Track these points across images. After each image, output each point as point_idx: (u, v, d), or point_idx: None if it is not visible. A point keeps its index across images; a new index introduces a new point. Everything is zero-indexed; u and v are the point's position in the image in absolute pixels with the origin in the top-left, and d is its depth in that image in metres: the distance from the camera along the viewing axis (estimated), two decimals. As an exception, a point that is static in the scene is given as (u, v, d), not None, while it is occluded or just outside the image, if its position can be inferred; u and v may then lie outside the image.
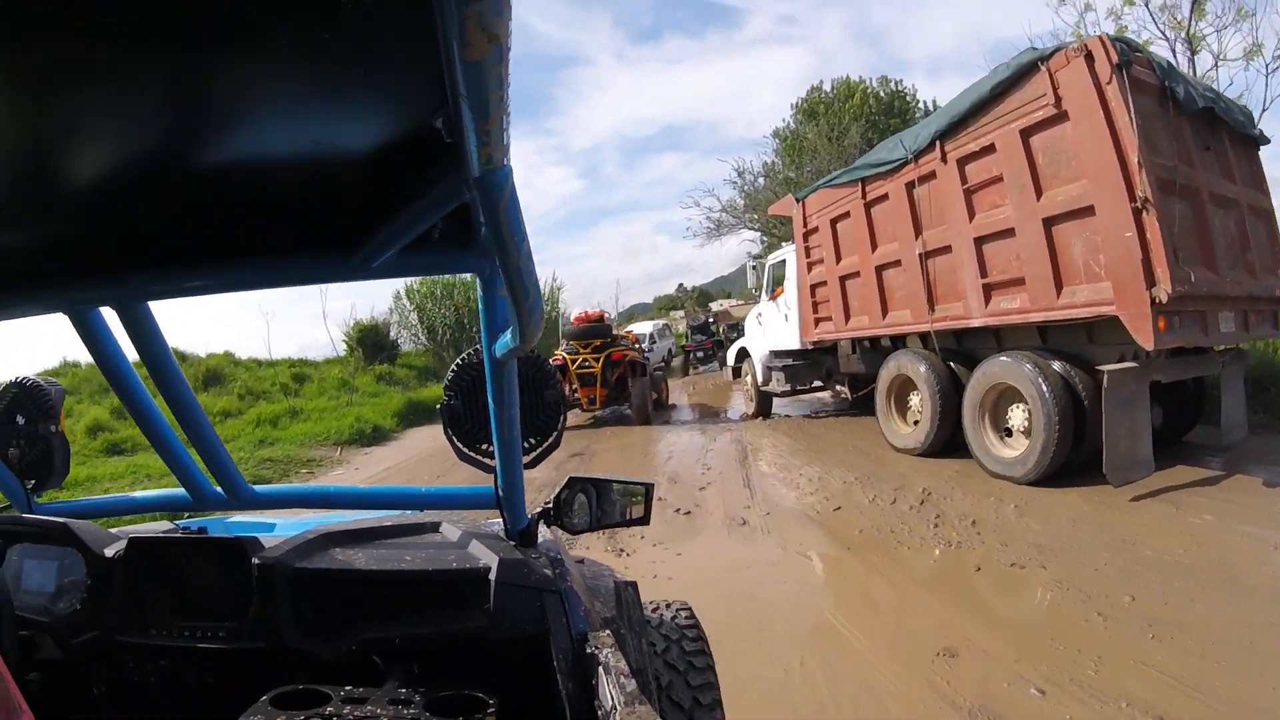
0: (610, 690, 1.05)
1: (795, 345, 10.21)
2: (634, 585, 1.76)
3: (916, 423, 7.49)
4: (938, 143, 6.67)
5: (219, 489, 1.64)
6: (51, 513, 1.63)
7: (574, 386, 11.55)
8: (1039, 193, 5.82)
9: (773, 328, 10.90)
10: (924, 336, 7.65)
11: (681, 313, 35.06)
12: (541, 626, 1.27)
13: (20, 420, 1.68)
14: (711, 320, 24.11)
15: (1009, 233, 6.10)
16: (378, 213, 0.98)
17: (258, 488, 1.69)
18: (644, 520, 1.67)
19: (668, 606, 2.05)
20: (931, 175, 6.84)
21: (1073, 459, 5.90)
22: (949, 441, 7.11)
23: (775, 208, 10.56)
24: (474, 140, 0.62)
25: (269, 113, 0.78)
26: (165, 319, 1.38)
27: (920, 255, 7.05)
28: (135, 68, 0.66)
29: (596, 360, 11.56)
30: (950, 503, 5.75)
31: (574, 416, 12.03)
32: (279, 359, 19.18)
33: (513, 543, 1.45)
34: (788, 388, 10.46)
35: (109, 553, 1.44)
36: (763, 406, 11.26)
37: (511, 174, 0.71)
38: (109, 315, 1.34)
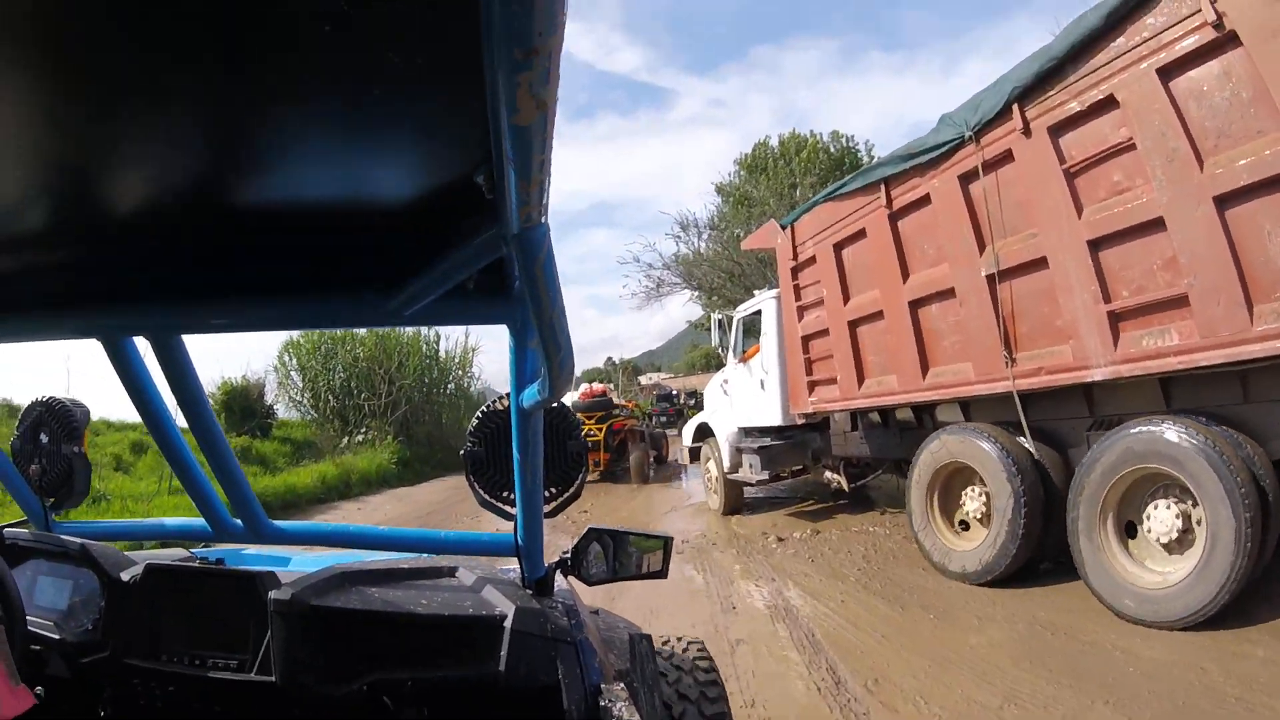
0: None
1: (775, 420, 7.83)
2: (648, 638, 1.79)
3: (965, 525, 5.25)
4: (1015, 108, 4.59)
5: (239, 521, 1.70)
6: (70, 533, 1.77)
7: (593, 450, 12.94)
8: (1199, 161, 3.73)
9: (743, 398, 8.52)
10: (965, 404, 5.50)
11: (611, 385, 37.11)
12: (555, 677, 1.31)
13: (44, 439, 1.77)
14: (674, 392, 25.42)
15: (1151, 227, 3.95)
16: (414, 260, 1.02)
17: (278, 523, 1.73)
18: (662, 574, 1.67)
19: (679, 641, 2.06)
20: (1005, 157, 4.72)
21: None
22: (1029, 562, 4.79)
23: (752, 240, 8.41)
24: (515, 199, 0.65)
25: (314, 159, 0.82)
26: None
27: (989, 278, 4.84)
28: (186, 103, 0.69)
29: (600, 429, 13.09)
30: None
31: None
32: (131, 422, 16.00)
33: (529, 591, 1.50)
34: (764, 475, 7.95)
35: (125, 576, 1.55)
36: (732, 499, 8.75)
37: (549, 231, 0.73)
38: (142, 346, 1.39)
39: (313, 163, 0.83)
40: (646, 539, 1.68)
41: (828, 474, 7.79)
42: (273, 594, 1.36)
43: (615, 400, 15.27)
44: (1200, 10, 3.65)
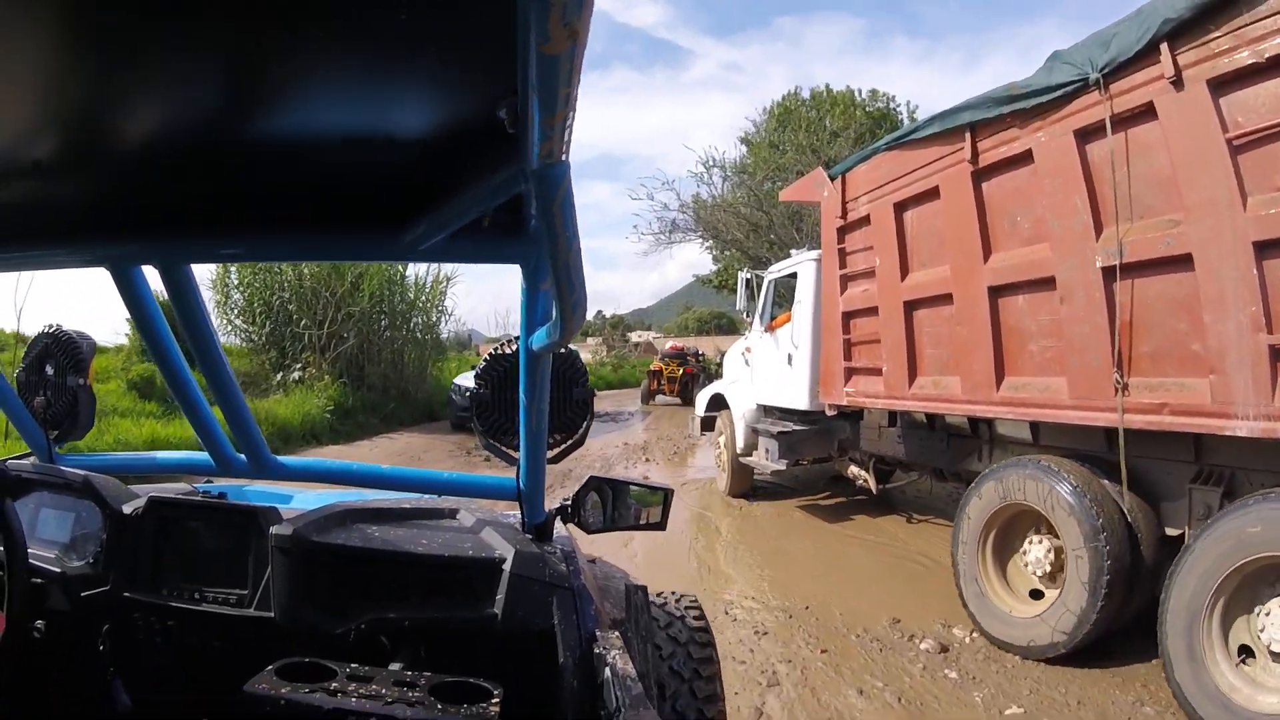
0: (616, 692, 1.13)
1: (800, 403, 6.94)
2: (644, 589, 1.81)
3: (1037, 590, 4.28)
4: (1163, 48, 3.46)
5: (243, 457, 1.73)
6: (73, 465, 1.77)
7: (663, 383, 20.39)
8: None
9: (766, 372, 7.62)
10: (1036, 424, 4.56)
11: (600, 339, 38.87)
12: (551, 622, 1.36)
13: (49, 370, 1.82)
14: (700, 352, 24.94)
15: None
16: (430, 196, 1.03)
17: (282, 459, 1.77)
18: (660, 525, 1.73)
19: (676, 601, 2.11)
20: (1143, 113, 3.59)
21: None
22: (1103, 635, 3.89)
23: (792, 191, 7.30)
24: (538, 133, 0.64)
25: (332, 87, 0.82)
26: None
27: (1105, 271, 3.81)
28: (200, 34, 0.69)
29: (678, 372, 20.24)
30: None
31: (663, 397, 20.48)
32: (28, 334, 15.36)
33: (529, 536, 1.54)
34: (780, 465, 7.13)
35: (127, 510, 1.59)
36: (741, 483, 8.00)
37: (569, 169, 0.72)
38: (150, 276, 1.42)
39: (329, 92, 0.82)
40: (647, 491, 1.74)
41: (853, 469, 6.93)
42: (274, 530, 1.41)
43: (687, 355, 21.56)
44: None
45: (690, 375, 19.64)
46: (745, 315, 8.30)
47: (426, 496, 1.80)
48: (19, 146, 0.96)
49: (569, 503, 1.65)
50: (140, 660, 1.55)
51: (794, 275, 7.23)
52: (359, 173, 1.04)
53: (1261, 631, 3.18)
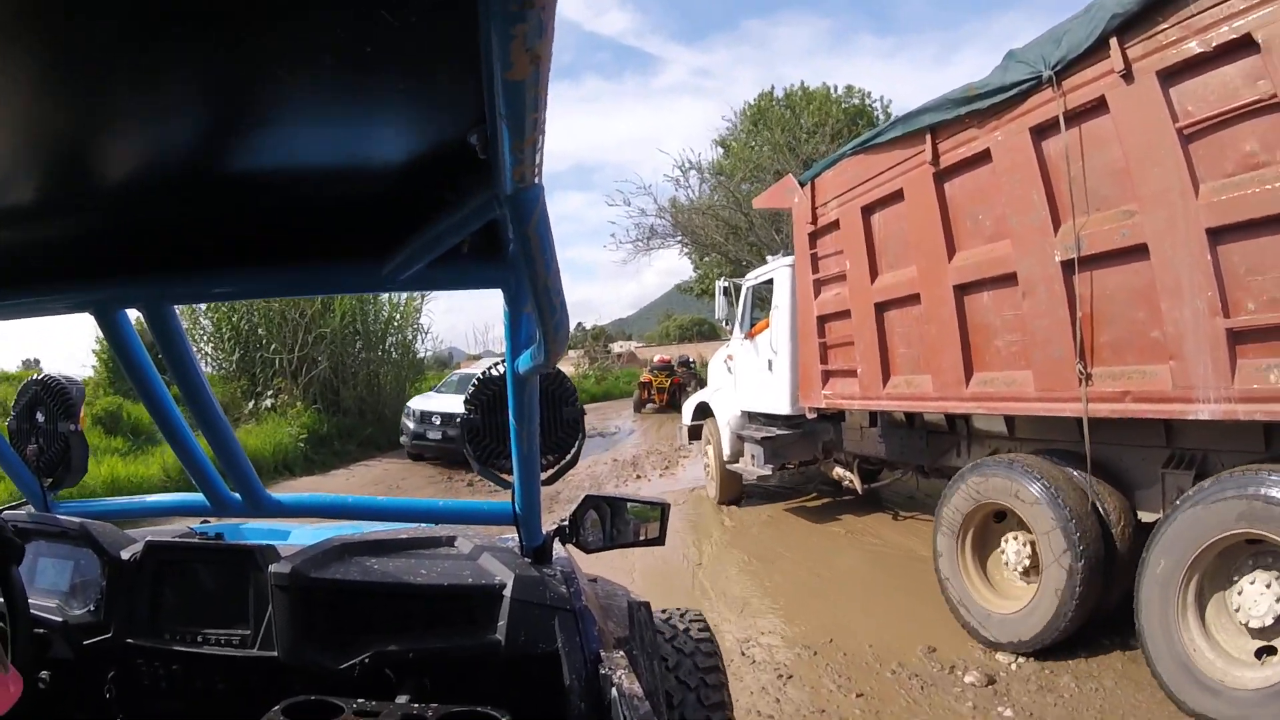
0: (624, 712, 1.14)
1: (783, 408, 6.98)
2: (647, 605, 1.85)
3: (1021, 586, 4.28)
4: (1113, 42, 3.55)
5: (237, 495, 1.71)
6: (68, 512, 1.79)
7: (653, 393, 21.58)
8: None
9: (748, 379, 7.66)
10: (1011, 423, 4.63)
11: (582, 351, 38.58)
12: (555, 645, 1.36)
13: (40, 418, 1.80)
14: (691, 361, 25.83)
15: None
16: (407, 225, 1.04)
17: (277, 495, 1.76)
18: (659, 541, 1.72)
19: (681, 616, 2.12)
20: (1096, 107, 3.68)
21: None
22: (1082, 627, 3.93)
23: (765, 197, 7.37)
24: (509, 158, 0.65)
25: (305, 122, 0.82)
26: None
27: (1065, 264, 3.88)
28: (173, 71, 0.69)
29: (666, 383, 21.42)
30: None
31: (652, 405, 21.51)
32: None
33: (528, 559, 1.54)
34: (766, 470, 7.15)
35: (125, 555, 1.59)
36: (730, 490, 8.03)
37: (543, 192, 0.74)
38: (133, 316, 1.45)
39: (303, 128, 0.83)
40: (644, 506, 1.73)
41: (839, 470, 6.97)
42: (273, 568, 1.40)
43: (674, 366, 23.13)
44: None
45: (677, 385, 21.10)
46: (724, 324, 8.36)
47: (423, 525, 1.79)
48: None
49: (566, 523, 1.65)
50: (146, 706, 1.54)
51: (770, 281, 7.29)
52: (336, 206, 1.03)
53: (1237, 611, 3.22)
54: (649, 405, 21.55)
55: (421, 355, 19.60)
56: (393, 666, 1.36)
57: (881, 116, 21.78)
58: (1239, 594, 3.23)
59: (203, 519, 1.97)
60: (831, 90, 22.93)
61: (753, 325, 7.65)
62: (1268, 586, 3.15)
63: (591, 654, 1.38)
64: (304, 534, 1.97)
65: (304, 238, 1.13)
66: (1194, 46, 3.27)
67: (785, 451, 7.08)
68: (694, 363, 24.58)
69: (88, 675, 1.53)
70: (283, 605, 1.38)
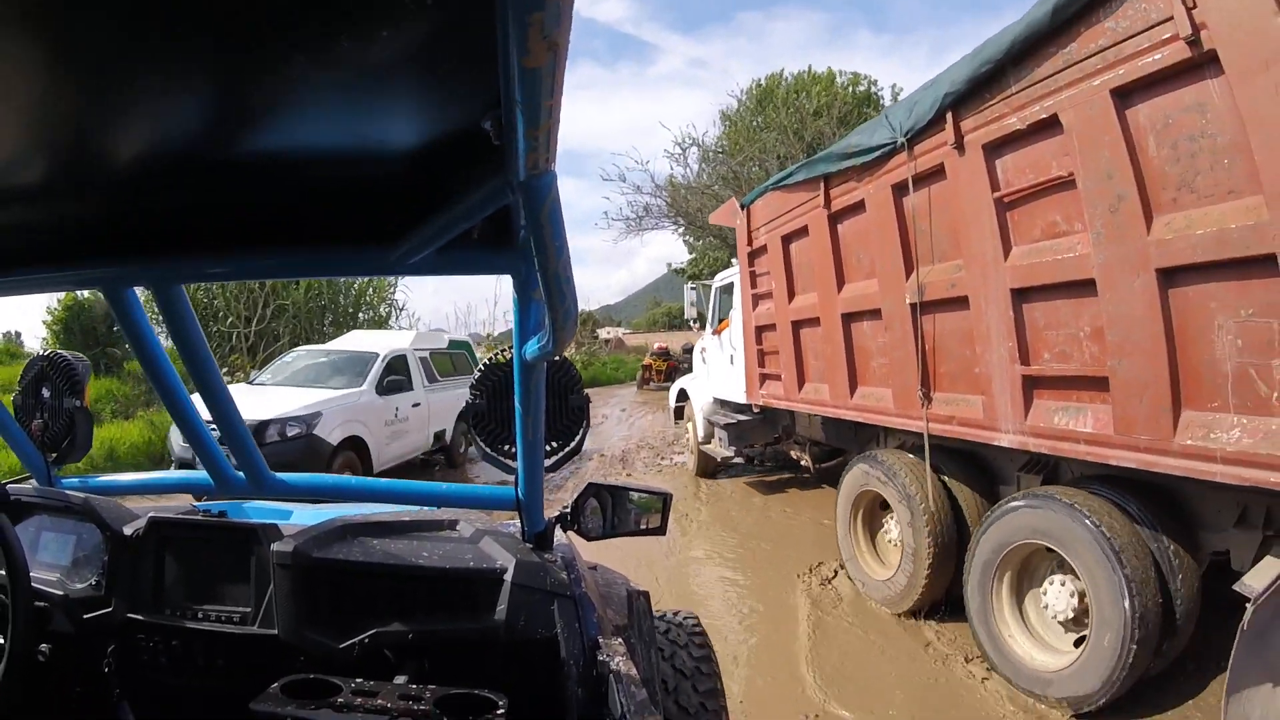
0: (621, 699, 1.06)
1: (744, 398, 7.15)
2: (646, 595, 1.71)
3: (898, 559, 4.43)
4: (948, 116, 3.56)
5: (241, 475, 1.60)
6: (73, 487, 1.67)
7: (653, 374, 21.60)
8: (1147, 219, 2.74)
9: (717, 370, 7.81)
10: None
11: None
12: (554, 630, 1.25)
13: (46, 393, 1.67)
14: (671, 352, 24.85)
15: (1083, 287, 3.02)
16: (418, 209, 0.95)
17: (281, 475, 1.63)
18: (660, 530, 1.60)
19: (674, 615, 2.00)
20: (937, 172, 3.72)
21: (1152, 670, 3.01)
22: (947, 594, 4.08)
23: (717, 215, 7.42)
24: (523, 145, 0.59)
25: (318, 105, 0.74)
26: None
27: (913, 306, 3.95)
28: (187, 55, 0.63)
29: (664, 365, 21.64)
30: None
31: (654, 383, 21.24)
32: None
33: (529, 545, 1.42)
34: (730, 453, 7.37)
35: (128, 531, 1.45)
36: (705, 465, 8.23)
37: (556, 180, 0.67)
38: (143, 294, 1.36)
39: (316, 111, 0.75)
40: (646, 496, 1.60)
41: (795, 451, 7.13)
42: (275, 546, 1.31)
43: (669, 352, 23.24)
44: (1172, 18, 2.58)
45: (672, 367, 21.57)
46: (692, 323, 8.49)
47: (425, 509, 1.66)
48: (9, 171, 0.88)
49: (568, 510, 1.53)
50: (146, 681, 1.42)
51: (732, 285, 7.38)
52: (347, 189, 0.95)
53: (1045, 609, 3.38)
54: (650, 384, 21.98)
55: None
56: (392, 648, 1.27)
57: (889, 104, 19.21)
58: (1044, 593, 3.36)
59: (206, 497, 1.83)
60: (838, 75, 20.52)
61: (719, 323, 7.75)
62: (1063, 586, 3.27)
63: (590, 640, 1.27)
64: (306, 515, 1.79)
65: (315, 220, 1.05)
66: (1014, 123, 3.28)
67: (748, 435, 7.23)
68: (672, 354, 23.51)
69: (87, 649, 1.41)
70: (284, 584, 1.28)
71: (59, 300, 13.07)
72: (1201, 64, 2.54)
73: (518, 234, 0.97)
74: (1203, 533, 2.97)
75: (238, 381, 9.20)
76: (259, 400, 6.81)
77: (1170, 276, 2.67)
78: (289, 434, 6.45)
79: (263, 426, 6.31)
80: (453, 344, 10.42)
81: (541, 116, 0.55)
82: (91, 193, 0.97)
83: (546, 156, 0.62)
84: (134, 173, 0.89)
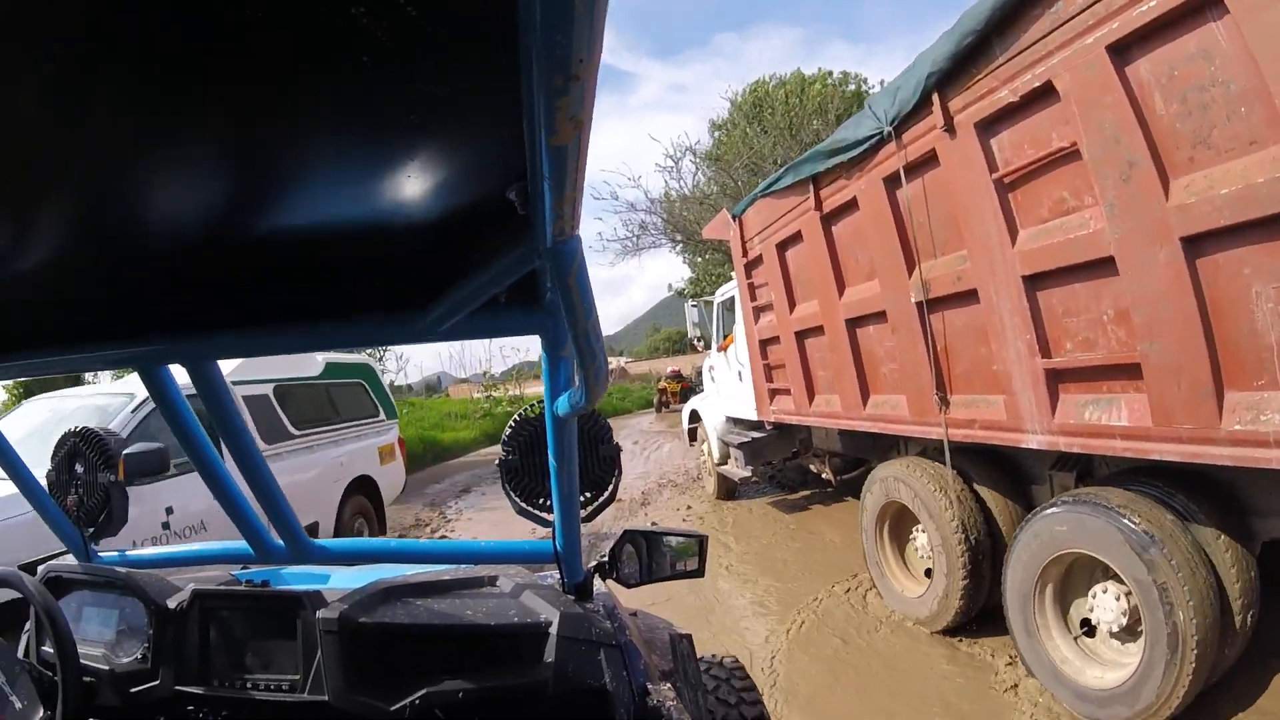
0: None
1: (754, 415, 6.86)
2: (689, 637, 1.72)
3: (929, 573, 4.09)
4: (934, 98, 3.31)
5: (281, 543, 1.58)
6: (111, 562, 1.65)
7: (668, 396, 22.65)
8: (1164, 183, 2.46)
9: (727, 388, 7.52)
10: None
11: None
12: (602, 680, 1.25)
13: (79, 469, 1.65)
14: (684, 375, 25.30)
15: (1102, 266, 2.73)
16: (447, 277, 0.95)
17: (321, 542, 1.61)
18: (698, 573, 1.57)
19: (714, 657, 2.01)
20: (930, 160, 3.47)
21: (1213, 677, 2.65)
22: (983, 609, 3.76)
23: (709, 229, 7.19)
24: (549, 215, 0.61)
25: (347, 186, 0.76)
26: None
27: (919, 305, 3.68)
28: (218, 134, 0.64)
29: (677, 387, 22.51)
30: None
31: (667, 409, 21.92)
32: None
33: (570, 596, 1.41)
34: (747, 473, 7.00)
35: (171, 603, 1.45)
36: (724, 487, 7.88)
37: (580, 243, 0.67)
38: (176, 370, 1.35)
39: (345, 190, 0.76)
40: (682, 539, 1.57)
41: (815, 465, 6.79)
42: (321, 613, 1.32)
43: (681, 374, 23.83)
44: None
45: (686, 388, 21.98)
46: (696, 340, 8.22)
47: (463, 566, 1.65)
48: (45, 252, 0.89)
49: (605, 559, 1.52)
50: None
51: (734, 299, 7.13)
52: (376, 260, 0.96)
53: (1090, 612, 3.04)
54: (667, 407, 22.63)
55: (409, 383, 16.60)
56: (443, 707, 1.26)
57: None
58: (1092, 598, 3.03)
59: (244, 565, 1.85)
60: (828, 77, 19.71)
61: (724, 338, 7.49)
62: (1113, 595, 2.94)
63: (639, 687, 1.27)
64: (344, 577, 1.81)
65: (345, 291, 1.05)
66: (1005, 95, 3.02)
67: (764, 452, 6.89)
68: (685, 375, 24.12)
69: None
70: (332, 649, 1.29)
71: None
72: (1202, 5, 2.28)
73: (544, 295, 0.96)
74: (1254, 519, 2.67)
75: None
76: None
77: (1196, 244, 2.38)
78: None
79: None
80: (337, 369, 6.94)
81: (568, 187, 0.55)
82: (123, 274, 0.97)
83: (572, 223, 0.62)
84: (165, 250, 0.90)
